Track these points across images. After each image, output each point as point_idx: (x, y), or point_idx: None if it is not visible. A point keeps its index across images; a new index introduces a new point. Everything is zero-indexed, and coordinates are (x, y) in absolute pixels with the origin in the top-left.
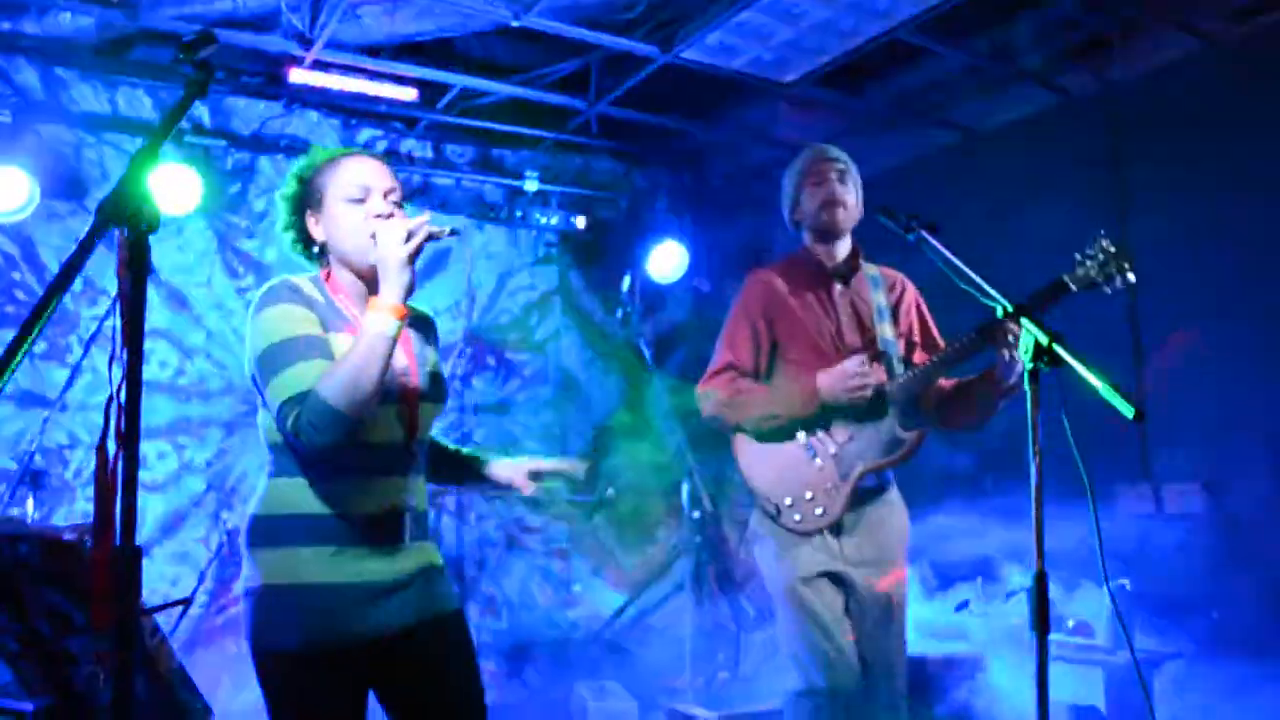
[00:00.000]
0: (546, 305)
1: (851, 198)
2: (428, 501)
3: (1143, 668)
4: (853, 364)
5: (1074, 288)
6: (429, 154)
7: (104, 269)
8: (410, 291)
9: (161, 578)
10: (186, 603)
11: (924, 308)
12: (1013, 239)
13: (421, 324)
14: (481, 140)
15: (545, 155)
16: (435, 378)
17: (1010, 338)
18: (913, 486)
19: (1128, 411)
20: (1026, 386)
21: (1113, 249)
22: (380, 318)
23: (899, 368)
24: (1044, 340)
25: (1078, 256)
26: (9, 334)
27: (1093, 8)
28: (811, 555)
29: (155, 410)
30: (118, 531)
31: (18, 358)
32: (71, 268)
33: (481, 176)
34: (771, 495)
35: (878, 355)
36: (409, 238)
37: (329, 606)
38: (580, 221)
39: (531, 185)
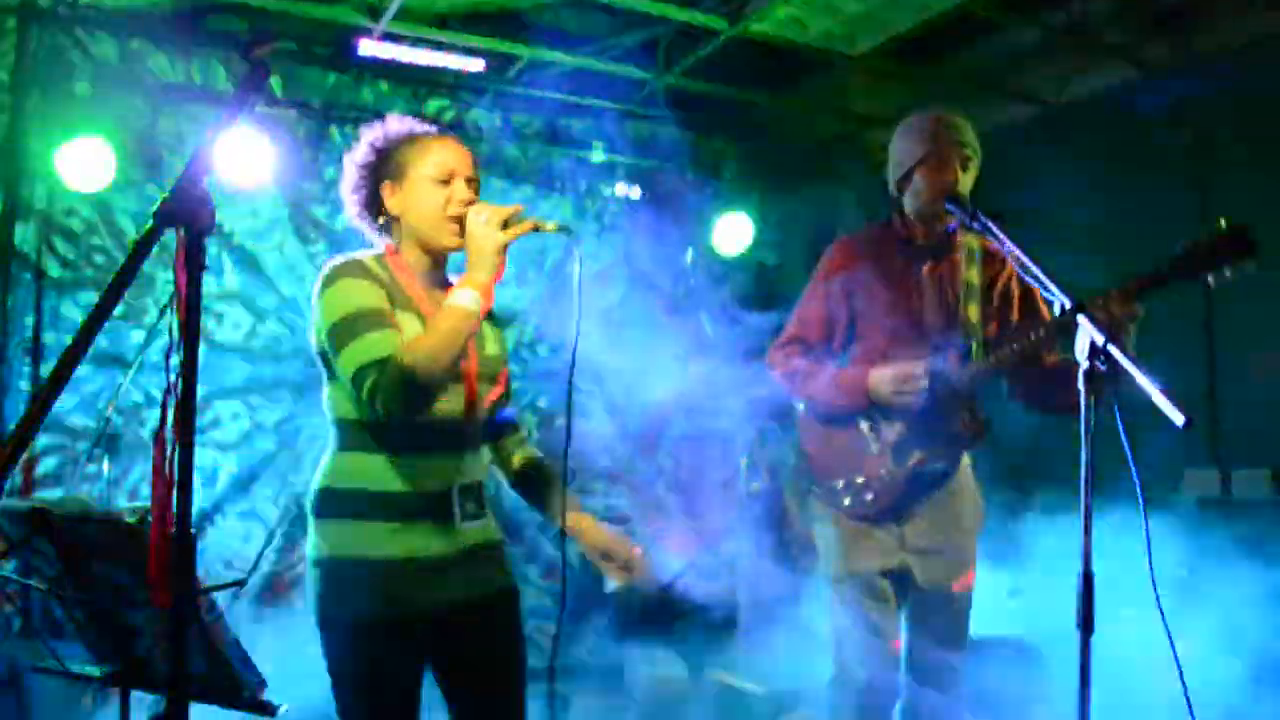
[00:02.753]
0: (611, 275)
1: (970, 184)
2: (487, 475)
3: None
4: (909, 369)
5: (1196, 275)
6: (496, 124)
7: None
8: (499, 276)
9: (232, 534)
10: (241, 584)
11: (1027, 281)
12: (1091, 214)
13: (495, 307)
14: (548, 110)
15: (612, 126)
16: (495, 359)
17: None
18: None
19: (1178, 420)
20: (1080, 385)
21: (1230, 233)
22: (469, 295)
23: (978, 353)
24: (1099, 340)
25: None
26: (90, 296)
27: None
28: (870, 549)
29: (228, 371)
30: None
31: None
32: (130, 267)
33: (548, 147)
34: (825, 476)
35: (957, 339)
36: (506, 225)
37: (390, 579)
38: (642, 193)
39: (598, 156)
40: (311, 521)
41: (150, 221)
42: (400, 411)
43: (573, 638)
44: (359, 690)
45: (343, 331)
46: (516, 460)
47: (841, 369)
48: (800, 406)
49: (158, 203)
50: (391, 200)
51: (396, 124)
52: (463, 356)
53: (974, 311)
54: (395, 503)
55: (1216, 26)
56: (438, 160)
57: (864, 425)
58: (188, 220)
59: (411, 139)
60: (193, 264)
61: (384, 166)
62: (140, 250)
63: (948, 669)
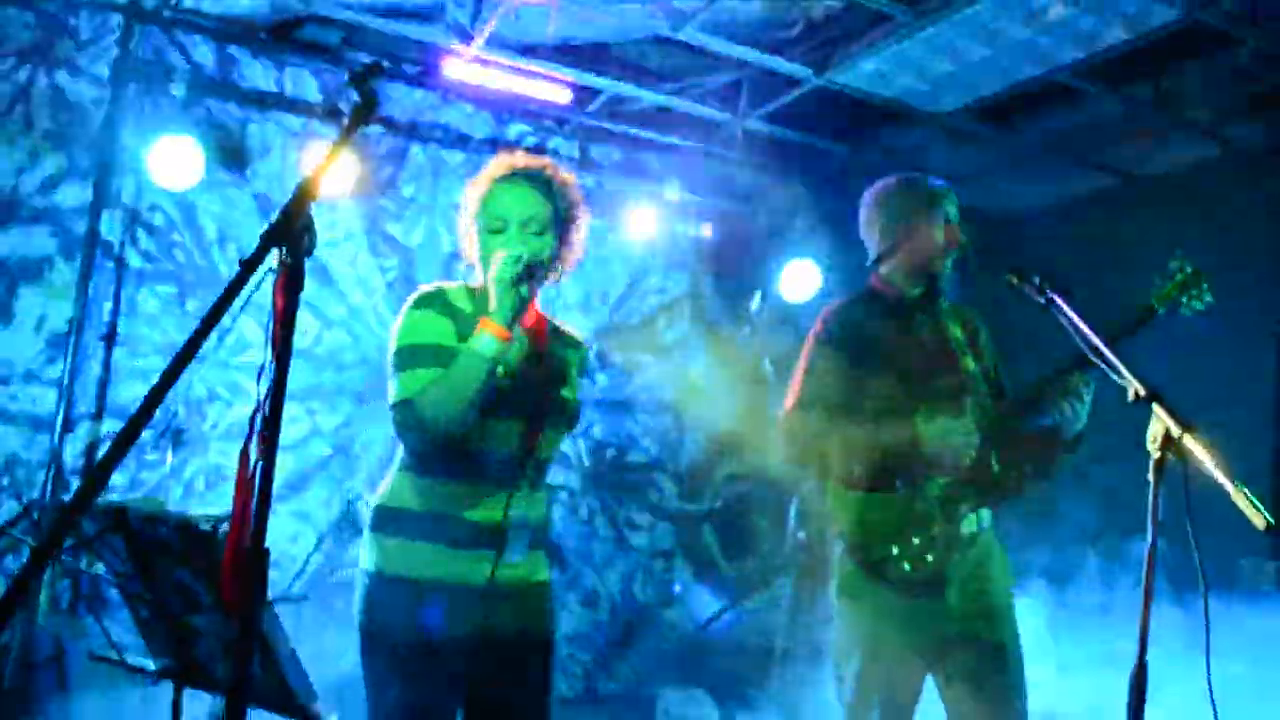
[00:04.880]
0: (676, 310)
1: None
2: (547, 517)
3: None
4: (961, 429)
5: (1160, 310)
6: (575, 154)
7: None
8: (516, 314)
9: (283, 534)
10: (304, 598)
11: (992, 346)
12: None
13: (567, 345)
14: (628, 144)
15: (688, 163)
16: (564, 402)
17: (1081, 389)
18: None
19: (1260, 523)
20: (1150, 477)
21: (1189, 269)
22: (482, 339)
23: (988, 403)
24: (1175, 431)
25: (1157, 280)
26: (168, 289)
27: (1268, 62)
28: (904, 624)
29: (291, 375)
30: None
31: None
32: (235, 288)
33: (624, 179)
34: (875, 546)
35: (966, 389)
36: (515, 262)
37: (432, 602)
38: (711, 230)
39: (672, 194)
40: (367, 534)
41: (259, 241)
42: (419, 447)
43: (606, 669)
44: (391, 700)
45: (394, 363)
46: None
47: (880, 424)
48: (826, 481)
49: (266, 225)
50: (469, 247)
51: (486, 171)
52: (526, 393)
53: (970, 364)
54: (442, 528)
55: None
56: (493, 209)
57: (898, 480)
58: (291, 243)
59: (485, 186)
60: (291, 286)
61: (468, 214)
62: (246, 270)
63: None
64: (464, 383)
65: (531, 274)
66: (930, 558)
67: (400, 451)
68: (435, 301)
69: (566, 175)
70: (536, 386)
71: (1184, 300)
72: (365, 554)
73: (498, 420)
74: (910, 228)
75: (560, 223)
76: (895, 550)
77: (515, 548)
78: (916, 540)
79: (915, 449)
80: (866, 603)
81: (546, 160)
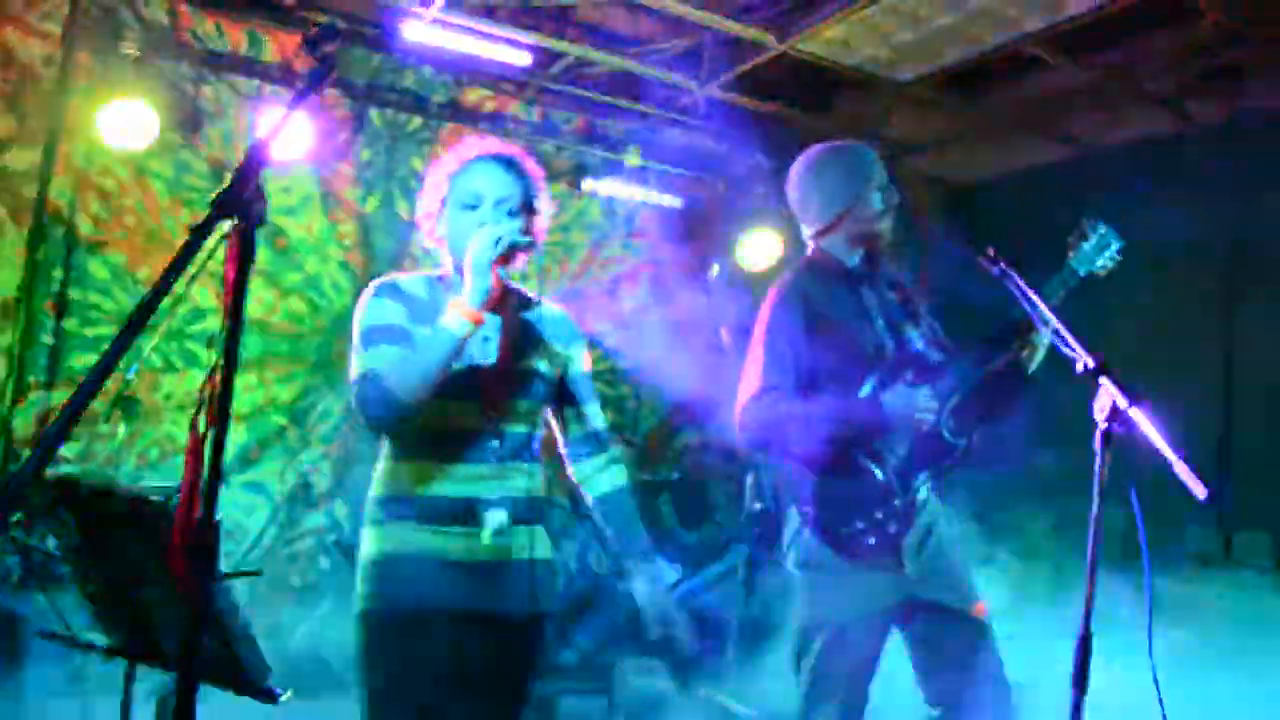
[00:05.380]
0: (635, 279)
1: None
2: (535, 489)
3: None
4: (922, 397)
5: (1080, 271)
6: (535, 119)
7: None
8: (489, 296)
9: (236, 505)
10: (258, 573)
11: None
12: (1122, 260)
13: (546, 321)
14: (587, 109)
15: (649, 130)
16: (531, 373)
17: (1034, 339)
18: None
19: (1200, 493)
20: (1098, 447)
21: (1101, 227)
22: (452, 316)
23: (935, 365)
24: (1122, 403)
25: (1070, 240)
26: (118, 257)
27: (1228, 37)
28: (868, 592)
29: (245, 345)
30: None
31: (138, 338)
32: (184, 256)
33: (584, 146)
34: (839, 522)
35: (914, 357)
36: (496, 243)
37: (425, 580)
38: (675, 200)
39: (633, 160)
40: (362, 530)
41: (210, 211)
42: (376, 425)
43: (563, 638)
44: (383, 680)
45: (363, 340)
46: (595, 485)
47: (846, 400)
48: (785, 465)
49: (215, 193)
50: (440, 225)
51: (460, 151)
52: (491, 369)
53: (911, 329)
54: (423, 507)
55: (1265, 85)
56: (466, 185)
57: (858, 453)
58: (242, 212)
59: (459, 164)
60: (243, 256)
61: (440, 192)
62: (196, 238)
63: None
64: (430, 359)
65: (509, 256)
66: (893, 528)
67: (384, 446)
68: (391, 290)
69: (535, 165)
70: (496, 361)
71: (1098, 259)
72: (363, 548)
73: (455, 398)
74: (854, 196)
75: (529, 209)
76: (860, 524)
77: (489, 522)
78: (879, 513)
79: (879, 424)
80: (830, 576)
81: (516, 147)
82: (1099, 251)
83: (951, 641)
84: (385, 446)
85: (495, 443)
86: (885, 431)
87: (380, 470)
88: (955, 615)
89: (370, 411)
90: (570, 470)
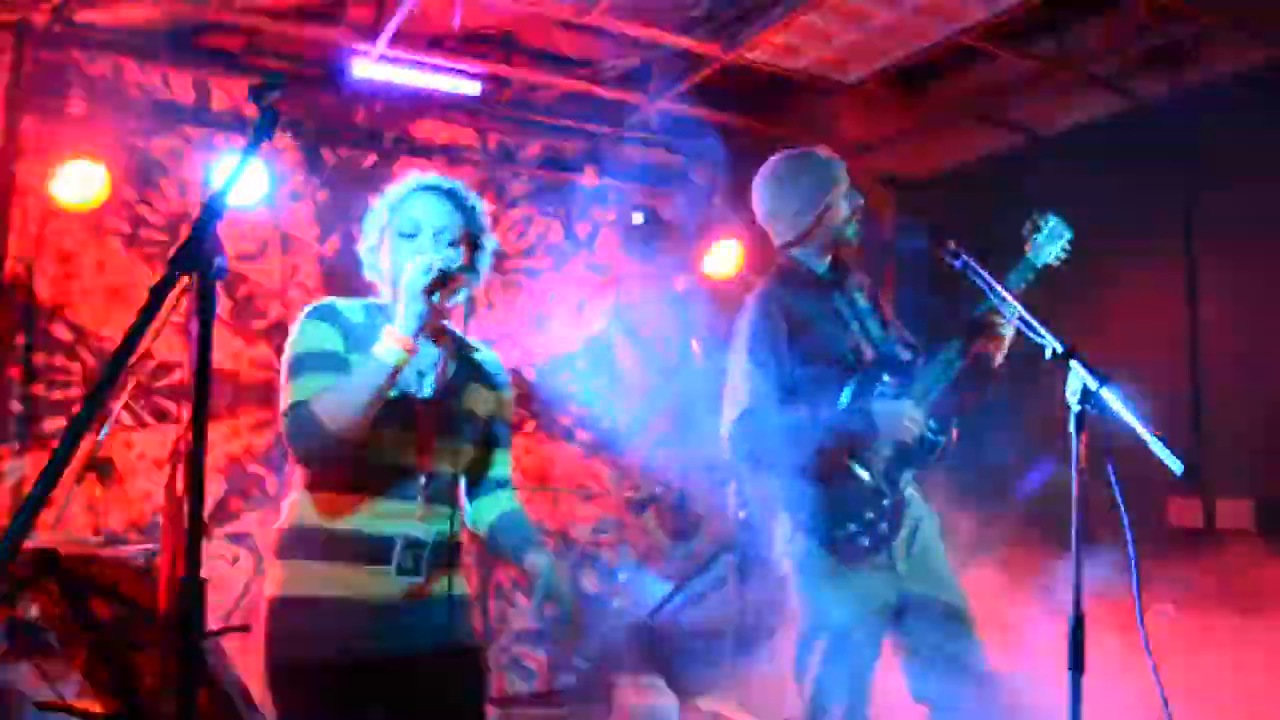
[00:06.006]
0: (602, 298)
1: None
2: (454, 533)
3: None
4: (908, 408)
5: (1036, 263)
6: (489, 147)
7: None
8: (423, 324)
9: (222, 557)
10: (246, 629)
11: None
12: (1075, 244)
13: (477, 364)
14: (542, 133)
15: (604, 149)
16: (463, 415)
17: (1000, 330)
18: None
19: (1176, 467)
20: (1072, 429)
21: (1051, 218)
22: (385, 346)
23: (906, 367)
24: (1092, 385)
25: (1024, 233)
26: (79, 316)
27: (1167, 14)
28: (866, 594)
29: (221, 394)
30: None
31: (110, 386)
32: (146, 317)
33: (540, 170)
34: (834, 525)
35: (887, 358)
36: (428, 270)
37: (333, 622)
38: (637, 217)
39: (590, 180)
40: (269, 563)
41: (167, 268)
42: (305, 457)
43: (560, 663)
44: None
45: (292, 369)
46: (487, 514)
47: (836, 413)
48: (770, 474)
49: (172, 250)
50: (383, 256)
51: (403, 183)
52: (424, 406)
53: (877, 329)
54: (340, 544)
55: (1209, 61)
56: (406, 213)
57: (848, 459)
58: (201, 267)
59: (400, 195)
60: (205, 310)
61: (383, 223)
62: (156, 298)
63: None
64: (362, 389)
65: (443, 283)
66: (884, 528)
67: (297, 475)
68: (327, 313)
69: (478, 199)
70: (431, 399)
71: (1053, 250)
72: (268, 582)
73: (387, 430)
74: (823, 204)
75: (471, 241)
76: (853, 526)
77: (421, 563)
78: (870, 514)
79: (870, 436)
80: (827, 580)
81: (457, 179)
82: (1052, 242)
83: (939, 637)
84: (299, 475)
85: (422, 480)
86: (875, 441)
87: (295, 502)
88: (942, 610)
89: (298, 444)
90: (465, 512)
